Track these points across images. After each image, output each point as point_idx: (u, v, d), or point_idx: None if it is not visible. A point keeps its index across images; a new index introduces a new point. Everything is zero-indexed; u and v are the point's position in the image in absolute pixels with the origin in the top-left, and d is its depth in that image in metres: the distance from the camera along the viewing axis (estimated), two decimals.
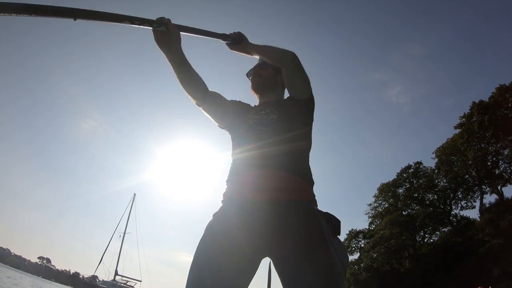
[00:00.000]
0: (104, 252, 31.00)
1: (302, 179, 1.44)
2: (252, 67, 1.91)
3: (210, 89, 1.77)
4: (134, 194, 35.61)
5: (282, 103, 1.74)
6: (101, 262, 30.31)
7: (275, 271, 1.31)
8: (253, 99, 1.97)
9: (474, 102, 28.14)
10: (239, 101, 1.85)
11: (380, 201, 37.25)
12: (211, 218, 1.43)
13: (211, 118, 1.77)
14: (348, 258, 1.32)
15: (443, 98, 67.26)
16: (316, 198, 1.47)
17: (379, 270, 32.24)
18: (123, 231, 33.02)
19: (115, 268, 31.39)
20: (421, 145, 70.65)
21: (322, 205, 1.46)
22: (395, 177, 35.30)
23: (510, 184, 28.51)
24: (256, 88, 1.85)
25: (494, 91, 27.32)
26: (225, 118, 1.76)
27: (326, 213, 1.35)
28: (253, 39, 1.80)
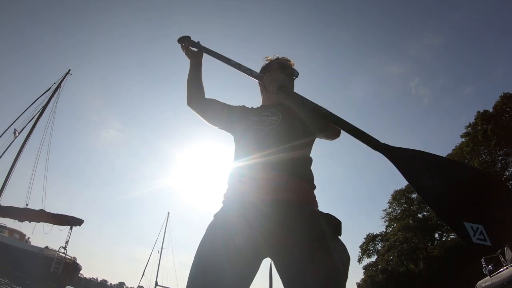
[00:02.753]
0: (146, 266, 34.51)
1: (303, 181, 1.44)
2: (265, 65, 1.93)
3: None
4: (168, 213, 39.53)
5: (288, 107, 1.70)
6: (143, 275, 33.69)
7: (275, 271, 1.30)
8: (254, 101, 1.93)
9: (479, 111, 29.48)
10: (243, 105, 1.85)
11: (394, 207, 38.94)
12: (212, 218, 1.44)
13: (206, 119, 1.82)
14: (349, 258, 1.31)
15: (463, 87, 66.52)
16: (317, 200, 1.46)
17: (394, 271, 33.93)
18: (161, 246, 37.17)
19: (155, 280, 35.42)
20: (443, 136, 69.99)
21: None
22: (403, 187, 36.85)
23: None
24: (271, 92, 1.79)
25: (498, 99, 28.53)
26: (220, 119, 1.79)
27: (327, 214, 1.36)
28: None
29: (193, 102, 1.82)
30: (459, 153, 31.90)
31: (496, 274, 13.31)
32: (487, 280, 13.59)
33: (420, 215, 35.61)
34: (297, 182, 1.41)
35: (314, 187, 1.50)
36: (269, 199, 1.33)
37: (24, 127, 15.33)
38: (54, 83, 16.78)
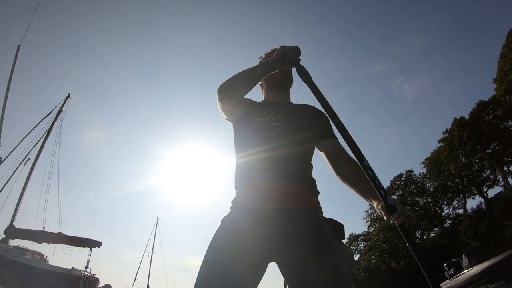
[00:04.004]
0: (138, 270, 35.14)
1: (308, 188, 1.48)
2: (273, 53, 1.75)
3: None
4: (158, 218, 40.50)
5: (291, 108, 1.73)
6: (135, 279, 34.26)
7: (274, 275, 1.34)
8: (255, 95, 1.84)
9: (455, 118, 31.30)
10: (249, 99, 1.77)
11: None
12: (219, 222, 1.46)
13: (226, 113, 1.71)
14: (354, 260, 1.37)
15: (446, 86, 69.07)
16: (321, 206, 1.49)
17: (376, 270, 35.66)
18: (151, 251, 38.22)
19: (147, 283, 36.41)
20: (426, 134, 72.57)
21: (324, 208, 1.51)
22: (389, 184, 38.80)
23: (495, 187, 31.90)
24: (276, 84, 1.78)
25: (474, 107, 30.26)
26: (237, 114, 1.69)
27: (330, 219, 1.39)
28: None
29: (235, 97, 1.62)
30: (436, 157, 33.80)
31: (455, 277, 15.14)
32: (447, 283, 15.46)
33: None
34: (302, 190, 1.44)
35: (318, 193, 1.53)
36: (276, 207, 1.36)
37: (29, 152, 15.82)
38: (56, 107, 17.20)
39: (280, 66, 1.63)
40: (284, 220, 1.33)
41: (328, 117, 1.53)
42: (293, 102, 1.83)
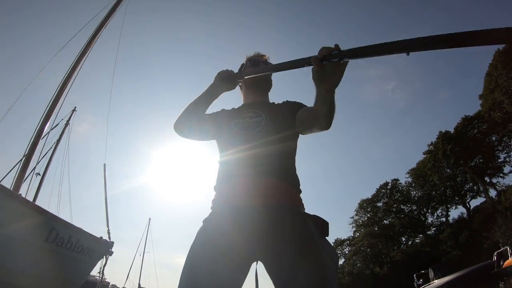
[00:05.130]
0: (130, 270, 35.45)
1: (290, 185, 1.45)
2: (245, 60, 1.85)
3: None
4: (150, 219, 41.05)
5: (271, 105, 1.73)
6: (128, 278, 34.56)
7: (262, 274, 1.31)
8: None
9: (441, 131, 32.66)
10: (222, 109, 1.77)
11: (361, 215, 41.99)
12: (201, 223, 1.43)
13: (199, 139, 1.75)
14: (337, 255, 1.35)
15: (438, 92, 70.86)
16: (303, 203, 1.47)
17: (360, 274, 36.80)
18: (143, 250, 38.84)
19: (138, 282, 37.01)
20: (417, 138, 74.45)
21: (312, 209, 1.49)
22: (375, 192, 40.29)
23: (478, 197, 33.31)
24: (256, 86, 1.79)
25: (460, 121, 31.57)
26: (208, 133, 1.71)
27: (314, 215, 1.38)
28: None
29: (189, 125, 1.67)
30: (421, 167, 35.10)
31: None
32: None
33: (386, 221, 38.77)
34: (284, 187, 1.41)
35: (300, 191, 1.50)
36: (258, 203, 1.33)
37: (35, 166, 15.77)
38: (62, 120, 17.37)
39: (220, 87, 1.73)
40: (266, 217, 1.30)
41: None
42: (270, 102, 1.81)
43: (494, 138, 30.20)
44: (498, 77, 26.33)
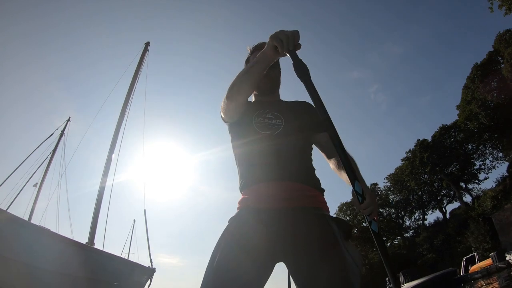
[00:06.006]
0: None
1: (313, 187, 1.47)
2: (250, 51, 1.78)
3: None
4: (134, 221, 40.46)
5: (287, 106, 1.71)
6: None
7: (281, 275, 1.33)
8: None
9: (419, 139, 34.13)
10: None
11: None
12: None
13: (229, 118, 1.65)
14: (361, 258, 1.34)
15: (419, 97, 73.09)
16: (327, 205, 1.48)
17: None
18: (128, 252, 38.22)
19: None
20: (397, 141, 76.55)
21: None
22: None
23: (454, 202, 34.82)
24: (265, 91, 1.75)
25: (437, 130, 33.08)
26: (238, 116, 1.63)
27: (338, 217, 1.39)
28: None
29: (243, 99, 1.56)
30: (399, 173, 36.52)
31: None
32: None
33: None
34: (307, 189, 1.43)
35: (323, 190, 1.52)
36: (282, 206, 1.36)
37: (32, 176, 15.13)
38: (57, 129, 16.89)
39: (275, 58, 1.45)
40: (291, 220, 1.32)
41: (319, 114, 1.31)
42: (284, 100, 1.78)
43: (470, 147, 31.75)
44: (475, 90, 27.70)
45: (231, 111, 1.60)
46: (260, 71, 1.47)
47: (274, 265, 1.34)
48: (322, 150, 1.65)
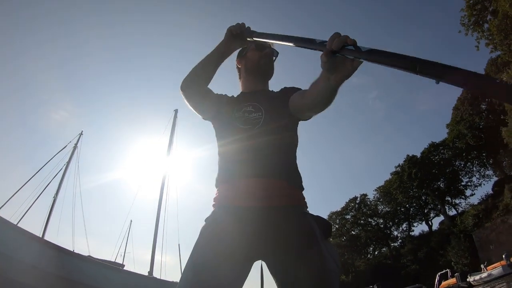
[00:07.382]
0: None
1: (292, 184, 1.43)
2: (251, 44, 1.67)
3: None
4: (131, 221, 41.15)
5: (270, 95, 1.65)
6: None
7: (266, 272, 1.31)
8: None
9: (408, 155, 35.43)
10: (225, 94, 1.70)
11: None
12: (203, 222, 1.41)
13: (197, 110, 1.62)
14: (339, 256, 1.34)
15: (417, 105, 74.23)
16: (306, 202, 1.44)
17: None
18: (123, 252, 38.84)
19: None
20: (393, 149, 77.65)
21: None
22: (344, 205, 42.86)
23: (440, 216, 35.69)
24: (258, 73, 1.70)
25: (427, 147, 34.31)
26: (210, 110, 1.62)
27: (317, 216, 1.37)
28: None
29: (196, 87, 1.54)
30: (388, 186, 38.00)
31: None
32: None
33: (353, 232, 41.25)
34: (286, 187, 1.39)
35: (303, 188, 1.48)
36: (259, 204, 1.32)
37: (45, 188, 15.43)
38: (70, 142, 17.24)
39: (231, 43, 1.55)
40: (270, 219, 1.29)
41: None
42: (270, 90, 1.74)
43: (458, 163, 32.96)
44: (464, 112, 28.97)
45: (195, 100, 1.57)
46: (219, 54, 1.57)
47: (253, 264, 1.34)
48: (303, 100, 1.46)
